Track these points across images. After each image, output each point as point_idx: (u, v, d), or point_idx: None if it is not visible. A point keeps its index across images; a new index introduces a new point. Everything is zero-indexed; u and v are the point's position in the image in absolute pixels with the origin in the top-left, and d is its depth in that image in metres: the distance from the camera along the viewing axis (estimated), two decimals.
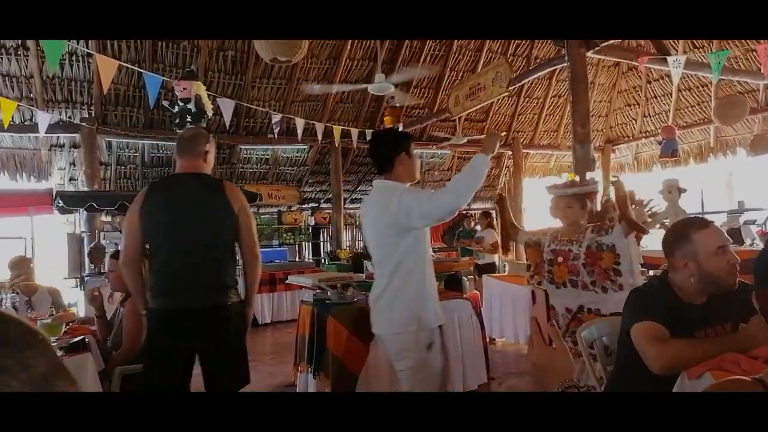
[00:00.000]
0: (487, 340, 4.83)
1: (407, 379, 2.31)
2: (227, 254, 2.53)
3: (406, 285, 2.27)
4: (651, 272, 4.04)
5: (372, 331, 2.43)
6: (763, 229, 6.77)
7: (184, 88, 5.12)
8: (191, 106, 5.09)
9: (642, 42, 8.78)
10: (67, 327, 3.24)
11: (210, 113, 5.42)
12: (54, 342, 2.65)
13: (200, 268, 2.43)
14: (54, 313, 3.83)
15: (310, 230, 10.85)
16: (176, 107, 5.06)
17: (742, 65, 8.89)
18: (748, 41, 8.31)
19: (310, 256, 10.97)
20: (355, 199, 11.36)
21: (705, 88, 9.89)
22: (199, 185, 2.51)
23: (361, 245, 6.80)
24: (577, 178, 3.47)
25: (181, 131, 3.28)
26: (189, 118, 5.12)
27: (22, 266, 4.32)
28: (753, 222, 7.07)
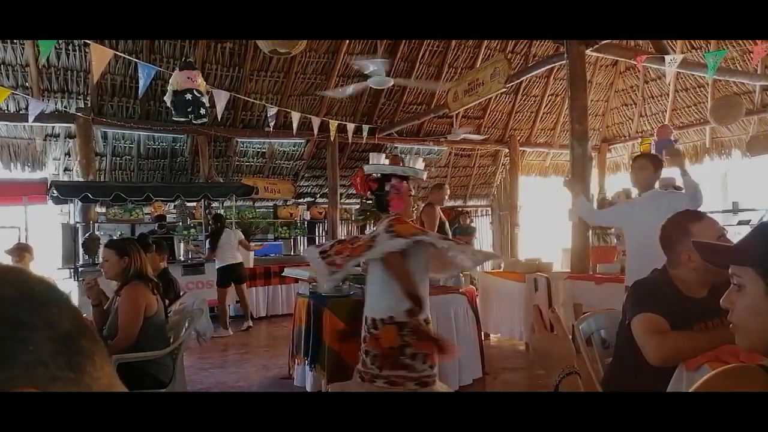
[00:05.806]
0: (482, 335, 4.85)
1: None
2: None
3: None
4: None
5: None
6: None
7: (196, 79, 5.07)
8: (205, 99, 5.05)
9: (641, 41, 8.79)
10: None
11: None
12: None
13: None
14: None
15: (306, 225, 10.83)
16: (188, 95, 4.97)
17: (738, 66, 8.92)
18: (744, 42, 8.34)
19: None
20: (351, 194, 11.33)
21: (702, 89, 9.92)
22: None
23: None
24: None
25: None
26: (203, 111, 5.06)
27: (18, 253, 4.32)
28: (747, 222, 7.10)
